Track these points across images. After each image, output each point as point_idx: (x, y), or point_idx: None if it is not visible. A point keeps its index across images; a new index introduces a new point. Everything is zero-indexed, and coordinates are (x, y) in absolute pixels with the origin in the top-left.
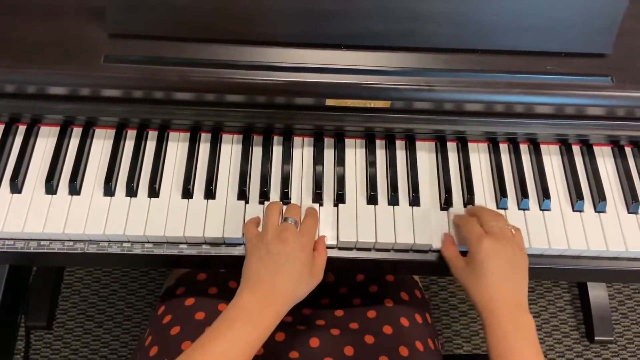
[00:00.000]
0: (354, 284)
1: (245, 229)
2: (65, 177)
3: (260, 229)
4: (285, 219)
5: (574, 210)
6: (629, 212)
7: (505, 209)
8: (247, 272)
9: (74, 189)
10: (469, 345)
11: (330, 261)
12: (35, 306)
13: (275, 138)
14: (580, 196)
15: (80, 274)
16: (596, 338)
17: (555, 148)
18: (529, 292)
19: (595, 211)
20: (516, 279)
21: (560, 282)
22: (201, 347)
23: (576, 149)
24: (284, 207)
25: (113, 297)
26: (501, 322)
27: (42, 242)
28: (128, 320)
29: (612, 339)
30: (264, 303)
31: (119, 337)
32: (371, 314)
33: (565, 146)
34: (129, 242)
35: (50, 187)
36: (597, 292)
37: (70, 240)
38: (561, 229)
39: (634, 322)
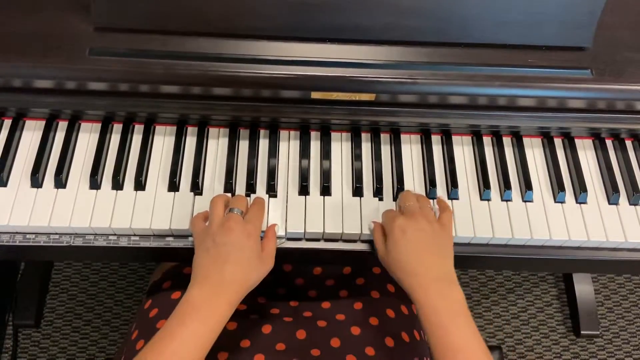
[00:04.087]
0: (341, 276)
1: (192, 224)
2: (50, 170)
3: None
4: (230, 210)
5: (555, 202)
6: (610, 203)
7: (488, 200)
8: (196, 267)
9: (60, 182)
10: None
11: (317, 253)
12: (23, 304)
13: (262, 131)
14: (561, 188)
15: (68, 272)
16: (582, 332)
17: (537, 141)
18: (515, 286)
19: (577, 202)
20: (439, 254)
21: (546, 277)
22: (153, 348)
23: (558, 142)
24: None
25: (101, 295)
26: (428, 297)
27: (28, 236)
28: (116, 318)
29: (598, 333)
30: (213, 295)
31: (107, 335)
32: (357, 305)
33: (547, 139)
34: (115, 235)
35: (36, 180)
36: (583, 287)
37: (56, 234)
38: (543, 219)
39: (620, 316)
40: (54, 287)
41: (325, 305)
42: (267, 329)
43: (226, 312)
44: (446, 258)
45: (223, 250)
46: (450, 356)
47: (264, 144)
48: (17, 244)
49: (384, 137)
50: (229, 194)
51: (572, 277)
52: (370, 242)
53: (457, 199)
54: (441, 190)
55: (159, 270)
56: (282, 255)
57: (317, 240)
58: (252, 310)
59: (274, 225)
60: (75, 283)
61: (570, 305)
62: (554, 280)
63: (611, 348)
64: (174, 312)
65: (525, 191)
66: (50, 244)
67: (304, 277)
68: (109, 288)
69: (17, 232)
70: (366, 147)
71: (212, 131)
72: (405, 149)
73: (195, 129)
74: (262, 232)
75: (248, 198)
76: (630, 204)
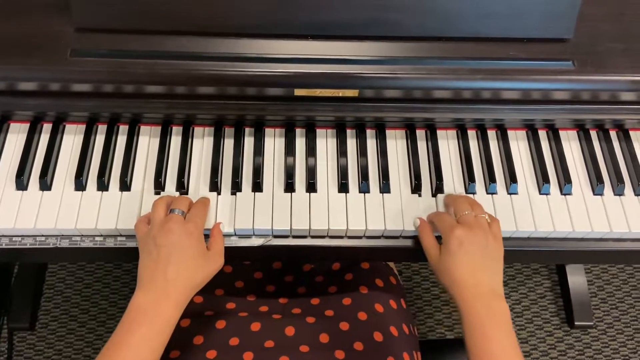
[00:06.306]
0: (330, 272)
1: (136, 228)
2: (35, 173)
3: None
4: (171, 211)
5: (540, 194)
6: (595, 194)
7: (473, 193)
8: (140, 271)
9: (45, 184)
10: (451, 334)
11: (304, 250)
12: (18, 307)
13: (247, 130)
14: (546, 179)
15: (62, 275)
16: (576, 323)
17: (522, 133)
18: (508, 279)
19: (562, 194)
20: (491, 267)
21: (539, 269)
22: (104, 357)
23: (542, 134)
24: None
25: (96, 297)
26: (475, 309)
27: (14, 238)
28: (111, 319)
29: (592, 323)
30: (159, 298)
31: (102, 337)
32: (346, 301)
33: (531, 131)
34: (101, 236)
35: (21, 183)
36: (576, 278)
37: (42, 236)
38: (528, 211)
39: (613, 306)
40: (49, 289)
41: (315, 301)
42: (256, 326)
43: (174, 313)
44: (497, 274)
45: (164, 252)
46: None
47: (249, 142)
48: (3, 246)
49: (369, 133)
50: (176, 194)
51: (565, 269)
52: (357, 238)
53: (442, 193)
54: (426, 185)
55: None
56: (271, 252)
57: (304, 237)
58: (241, 308)
59: (219, 223)
60: (69, 285)
61: (564, 297)
62: (547, 272)
63: (605, 338)
64: (122, 319)
65: (510, 184)
66: (37, 246)
67: (293, 274)
68: (103, 289)
69: (2, 235)
70: (351, 143)
71: (197, 130)
72: (390, 144)
73: (180, 128)
74: (208, 229)
75: (191, 198)
76: (614, 195)
